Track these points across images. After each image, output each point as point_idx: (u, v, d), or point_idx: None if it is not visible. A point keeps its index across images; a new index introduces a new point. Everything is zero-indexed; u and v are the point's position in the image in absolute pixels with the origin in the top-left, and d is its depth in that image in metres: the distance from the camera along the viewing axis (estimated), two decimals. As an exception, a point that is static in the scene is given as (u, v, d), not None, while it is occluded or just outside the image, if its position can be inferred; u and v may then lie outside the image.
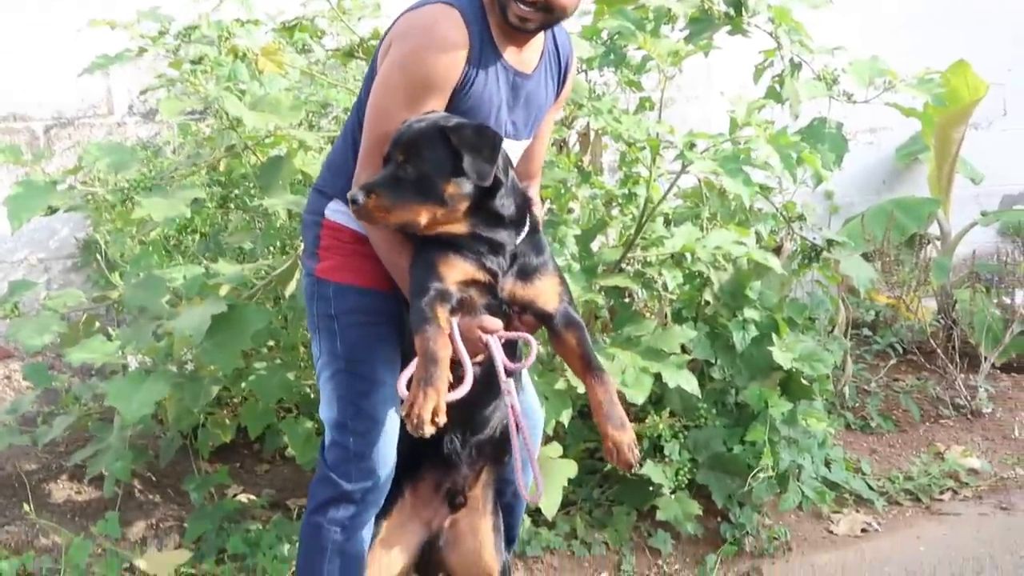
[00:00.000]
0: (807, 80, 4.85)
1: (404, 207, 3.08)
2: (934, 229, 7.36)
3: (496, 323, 3.21)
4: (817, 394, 5.03)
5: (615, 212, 5.05)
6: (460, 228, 3.16)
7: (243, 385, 4.52)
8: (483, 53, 3.28)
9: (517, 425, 3.21)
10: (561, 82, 3.59)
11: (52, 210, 4.40)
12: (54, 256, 6.42)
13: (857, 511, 5.28)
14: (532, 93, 3.45)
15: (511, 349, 3.33)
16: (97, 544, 4.59)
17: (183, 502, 5.01)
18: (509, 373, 3.23)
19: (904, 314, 6.76)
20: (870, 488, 5.43)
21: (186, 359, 4.36)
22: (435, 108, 3.24)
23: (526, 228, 3.27)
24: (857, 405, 6.21)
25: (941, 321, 6.91)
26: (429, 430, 2.91)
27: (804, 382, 4.92)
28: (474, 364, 3.17)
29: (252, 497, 5.04)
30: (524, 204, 3.29)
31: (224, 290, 4.08)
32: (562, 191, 4.82)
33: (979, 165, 7.62)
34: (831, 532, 5.11)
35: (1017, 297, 6.74)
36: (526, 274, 3.25)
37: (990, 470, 5.71)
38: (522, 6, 3.21)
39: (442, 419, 2.93)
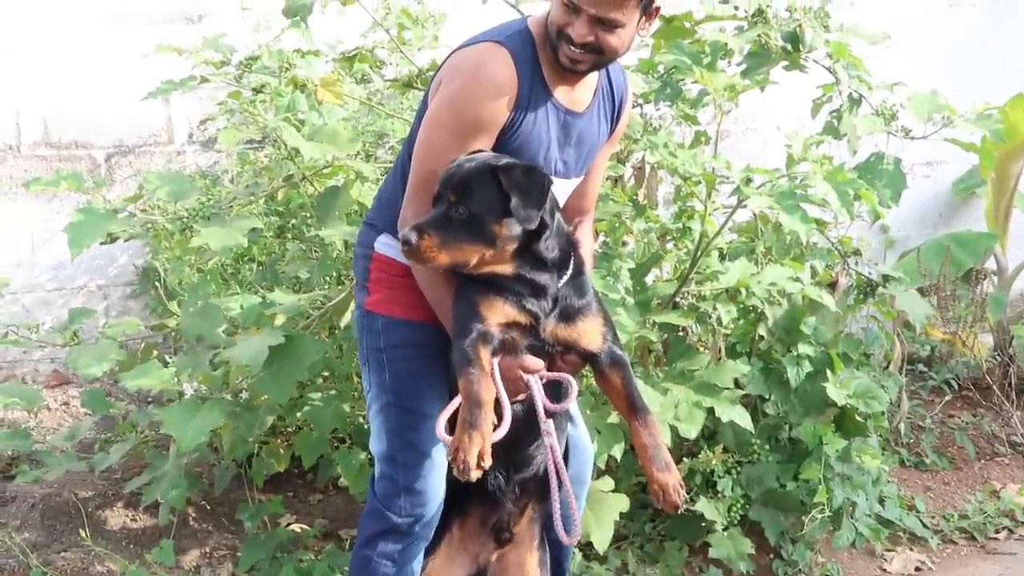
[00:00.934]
0: (865, 115, 4.82)
1: (454, 248, 3.09)
2: (991, 264, 7.28)
3: (537, 363, 3.22)
4: (872, 431, 5.00)
5: (670, 246, 5.05)
6: (506, 269, 3.17)
7: (298, 415, 4.54)
8: (533, 92, 3.30)
9: (556, 466, 3.21)
10: (615, 120, 3.59)
11: (112, 238, 4.45)
12: (113, 283, 6.49)
13: (911, 549, 5.24)
14: (584, 132, 3.46)
15: (554, 389, 3.31)
16: (151, 572, 4.62)
17: (236, 531, 5.03)
18: (549, 414, 3.23)
19: (960, 350, 6.70)
20: (924, 526, 5.38)
21: (241, 388, 4.38)
22: (483, 147, 3.25)
23: (569, 271, 3.27)
24: (911, 441, 6.16)
25: (997, 357, 6.85)
26: (475, 474, 2.93)
27: (859, 418, 4.89)
28: (515, 404, 3.19)
29: (305, 527, 5.05)
30: (569, 247, 3.29)
31: (280, 320, 4.11)
32: (617, 225, 4.82)
33: (1038, 200, 7.56)
34: (884, 570, 5.08)
35: (1075, 334, 6.66)
36: (569, 316, 3.24)
37: (1046, 509, 5.65)
38: (573, 48, 3.22)
39: (487, 462, 2.94)
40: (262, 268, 5.39)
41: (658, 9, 3.34)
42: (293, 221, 5.04)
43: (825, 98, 4.95)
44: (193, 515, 5.05)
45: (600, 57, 3.27)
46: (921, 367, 6.82)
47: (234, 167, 6.17)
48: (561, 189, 3.45)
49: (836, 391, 4.71)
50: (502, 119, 3.26)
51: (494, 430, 3.04)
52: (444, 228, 3.08)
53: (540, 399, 3.20)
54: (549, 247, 3.20)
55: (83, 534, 4.60)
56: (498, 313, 3.17)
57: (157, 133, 6.49)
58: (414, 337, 3.44)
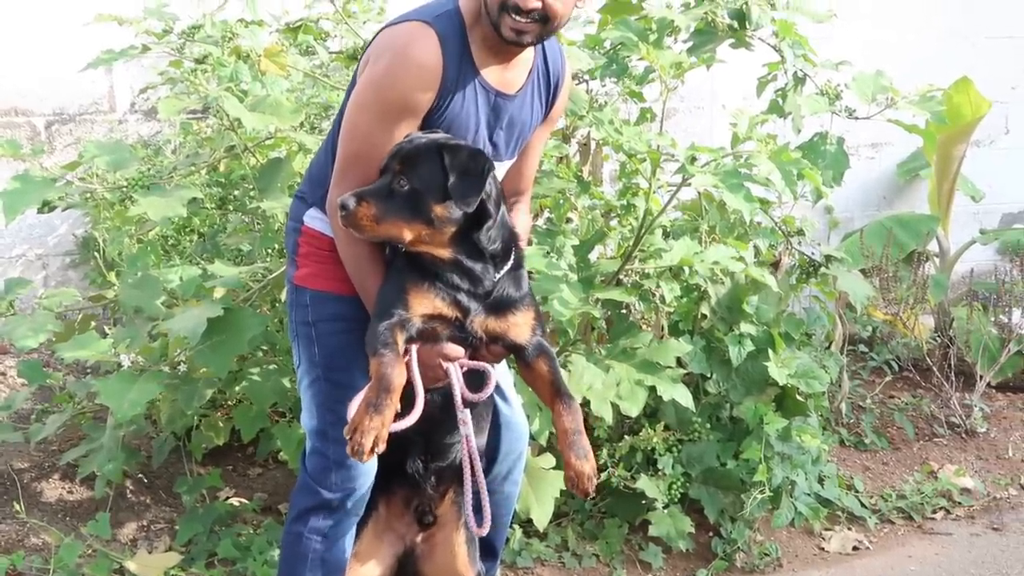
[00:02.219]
0: (810, 95, 4.84)
1: (392, 220, 3.06)
2: (933, 246, 7.35)
3: (458, 351, 3.21)
4: (812, 411, 5.03)
5: (614, 223, 5.04)
6: (442, 253, 3.14)
7: (237, 388, 4.50)
8: (460, 74, 3.25)
9: (471, 458, 3.23)
10: (551, 100, 3.55)
11: (50, 206, 4.39)
12: (52, 252, 6.41)
13: (849, 528, 5.27)
14: (516, 113, 3.42)
15: (477, 378, 3.29)
16: (87, 545, 4.58)
17: (174, 504, 4.99)
18: (467, 403, 3.23)
19: (901, 331, 6.74)
20: (862, 506, 5.42)
21: (180, 361, 4.34)
22: (408, 129, 3.23)
23: (509, 263, 3.25)
24: (851, 422, 6.20)
25: (938, 339, 6.91)
26: (367, 458, 2.92)
27: (799, 398, 4.91)
28: (433, 391, 3.21)
29: (244, 501, 5.02)
30: (511, 240, 3.28)
31: (220, 292, 4.06)
32: (561, 201, 4.81)
33: (980, 183, 7.63)
34: (822, 549, 5.11)
35: (1014, 316, 6.73)
36: (501, 308, 3.23)
37: (983, 490, 5.71)
38: (518, 18, 3.17)
39: (382, 448, 2.93)
40: (203, 240, 5.34)
41: None
42: (235, 193, 4.98)
43: (770, 76, 4.96)
44: (131, 488, 5.01)
45: (545, 26, 3.22)
46: (862, 348, 6.86)
47: (176, 137, 6.10)
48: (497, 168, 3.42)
49: (777, 371, 4.72)
50: (427, 102, 3.23)
51: (404, 417, 3.05)
52: (385, 199, 3.06)
53: (458, 388, 3.20)
54: (491, 238, 3.19)
55: (18, 507, 4.54)
56: (425, 304, 3.15)
57: (99, 101, 6.41)
58: (343, 311, 3.40)
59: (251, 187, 4.76)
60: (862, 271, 6.20)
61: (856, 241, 6.77)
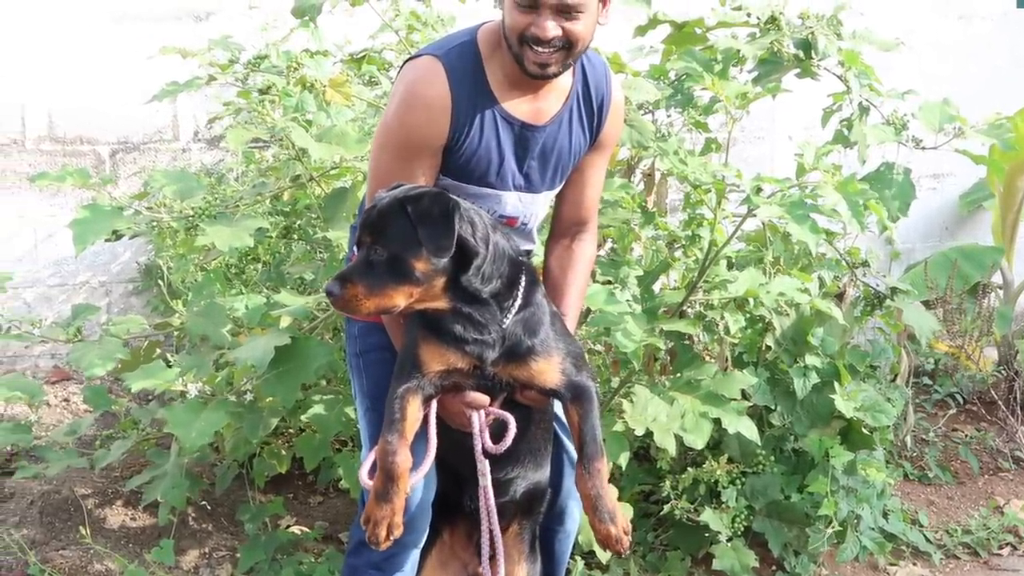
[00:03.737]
0: (876, 124, 4.80)
1: (380, 293, 2.97)
2: (997, 278, 7.27)
3: (481, 399, 3.19)
4: (878, 444, 4.97)
5: (678, 254, 5.02)
6: (440, 304, 3.06)
7: (302, 417, 4.50)
8: (477, 107, 3.21)
9: (488, 509, 3.25)
10: (597, 125, 3.44)
11: (117, 235, 4.42)
12: (115, 280, 6.47)
13: (914, 563, 5.21)
14: (551, 143, 3.34)
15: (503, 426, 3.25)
16: (151, 571, 4.59)
17: (236, 532, 5.00)
18: (487, 454, 3.22)
19: (965, 364, 6.67)
20: (927, 540, 5.35)
21: (246, 389, 4.36)
22: (426, 165, 3.23)
23: (517, 302, 3.15)
24: (915, 455, 6.13)
25: (1002, 372, 6.83)
26: (385, 546, 2.99)
27: (865, 431, 4.86)
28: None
29: (305, 529, 5.03)
30: (516, 273, 3.16)
31: (286, 322, 4.07)
32: (625, 231, 4.80)
33: (1045, 215, 7.55)
34: (887, 584, 5.06)
35: (1082, 349, 6.64)
36: (519, 355, 3.15)
37: (1050, 526, 5.62)
38: (539, 49, 3.11)
39: (397, 534, 3.00)
40: (267, 268, 5.36)
41: None
42: (299, 222, 5.02)
43: (836, 107, 4.93)
44: (193, 515, 5.03)
45: (569, 52, 3.16)
46: (926, 380, 6.79)
47: (239, 166, 6.15)
48: (529, 203, 3.40)
49: (844, 403, 4.67)
50: (439, 138, 3.21)
51: (416, 469, 3.08)
52: (367, 274, 2.98)
53: (478, 437, 3.19)
54: (484, 276, 3.08)
55: (83, 532, 4.56)
56: (437, 360, 3.12)
57: (163, 130, 6.48)
58: (388, 341, 3.38)
59: (315, 216, 4.79)
60: (925, 303, 6.15)
61: (919, 272, 6.71)
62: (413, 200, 2.98)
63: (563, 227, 3.54)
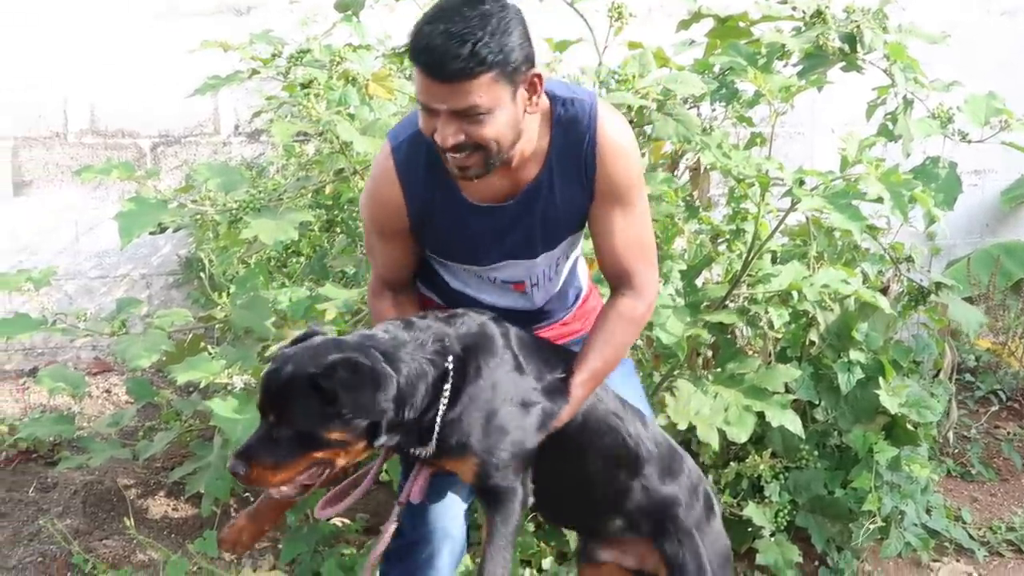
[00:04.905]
0: (920, 118, 4.77)
1: (288, 466, 2.77)
2: (1040, 275, 7.23)
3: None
4: (922, 440, 4.94)
5: (722, 248, 5.00)
6: (364, 457, 2.91)
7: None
8: (435, 198, 3.06)
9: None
10: (589, 176, 3.07)
11: (162, 228, 4.44)
12: (156, 272, 6.50)
13: (957, 560, 5.18)
14: (532, 212, 3.09)
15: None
16: (193, 562, 4.61)
17: (278, 524, 5.01)
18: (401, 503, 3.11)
19: (1007, 361, 6.63)
20: (971, 537, 5.32)
21: (290, 382, 4.36)
22: (401, 246, 3.16)
23: (440, 412, 2.90)
24: (957, 452, 6.10)
25: (1046, 369, 6.79)
26: None
27: (909, 427, 4.83)
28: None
29: (347, 521, 5.04)
30: (438, 383, 2.89)
31: (331, 314, 4.08)
32: (669, 225, 4.78)
33: (1089, 210, 7.51)
34: (931, 581, 5.03)
35: (1124, 347, 6.60)
36: (442, 451, 2.93)
37: (1094, 523, 5.58)
38: (450, 155, 2.85)
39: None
40: (309, 262, 5.37)
41: (538, 77, 2.87)
42: (341, 215, 5.02)
43: (880, 100, 4.90)
44: (235, 506, 5.05)
45: (486, 153, 2.85)
46: (968, 377, 6.76)
47: (279, 160, 6.16)
48: (529, 267, 3.21)
49: (889, 399, 4.64)
50: (400, 227, 3.11)
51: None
52: (273, 449, 2.76)
53: (410, 486, 3.07)
54: (400, 422, 2.82)
55: (126, 522, 4.58)
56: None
57: (203, 124, 6.50)
58: None
59: (358, 210, 4.79)
60: (968, 299, 6.10)
61: (961, 269, 6.67)
62: (327, 375, 2.72)
63: (607, 278, 3.24)
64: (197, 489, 4.72)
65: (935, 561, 5.12)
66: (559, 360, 3.13)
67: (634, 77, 4.38)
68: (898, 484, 4.85)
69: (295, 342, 2.90)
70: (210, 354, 4.46)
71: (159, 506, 5.07)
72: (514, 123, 2.85)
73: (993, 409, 6.53)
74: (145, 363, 4.21)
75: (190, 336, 4.78)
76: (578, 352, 3.16)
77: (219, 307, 4.62)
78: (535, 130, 2.99)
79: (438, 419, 2.88)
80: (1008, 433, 6.41)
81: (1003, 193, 7.72)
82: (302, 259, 5.48)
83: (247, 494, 5.08)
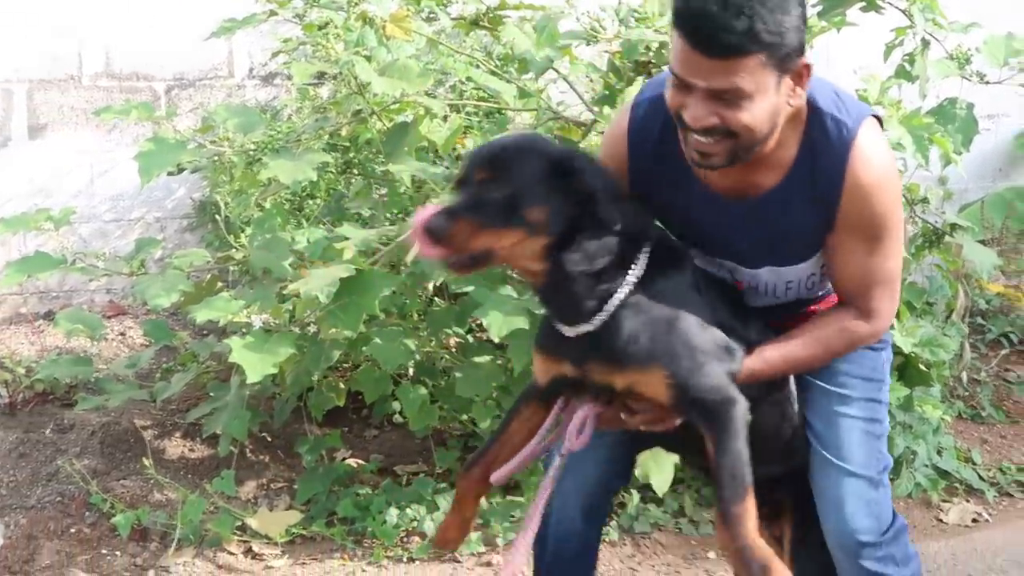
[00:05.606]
0: (938, 59, 4.76)
1: (491, 232, 2.59)
2: (1052, 218, 7.23)
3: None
4: (935, 380, 4.97)
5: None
6: (534, 267, 2.68)
7: (363, 350, 4.53)
8: (672, 173, 2.84)
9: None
10: (829, 209, 2.78)
11: (180, 168, 4.45)
12: (170, 216, 6.50)
13: (967, 501, 5.22)
14: (760, 219, 2.84)
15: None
16: (211, 501, 4.65)
17: (293, 464, 5.06)
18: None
19: (1018, 304, 6.65)
20: (980, 478, 5.37)
21: (309, 321, 4.39)
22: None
23: (625, 287, 2.70)
24: (968, 394, 6.13)
25: (1056, 312, 6.82)
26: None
27: (922, 367, 4.85)
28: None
29: (361, 462, 5.09)
30: (632, 250, 2.72)
31: (349, 253, 4.09)
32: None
33: (1101, 153, 7.49)
34: (941, 521, 5.07)
35: None
36: (613, 357, 2.71)
37: (1103, 463, 5.62)
38: (697, 137, 2.62)
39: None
40: (327, 204, 5.38)
41: (807, 67, 2.63)
42: (359, 157, 5.03)
43: (898, 41, 4.88)
44: (251, 447, 5.09)
45: (736, 141, 2.61)
46: (979, 320, 6.78)
47: (294, 103, 6.16)
48: (750, 275, 2.98)
49: (902, 339, 4.67)
50: (621, 167, 2.89)
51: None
52: (477, 210, 2.59)
53: (573, 429, 2.85)
54: (587, 253, 2.65)
55: (145, 463, 4.61)
56: (542, 370, 2.88)
57: (218, 67, 6.48)
58: None
59: (376, 151, 4.79)
60: (980, 242, 6.11)
61: (974, 212, 6.67)
62: (565, 155, 2.65)
63: (840, 300, 2.98)
64: (214, 430, 4.76)
65: (945, 501, 5.17)
66: (751, 319, 2.93)
67: (654, 16, 4.36)
68: (910, 425, 4.89)
69: None
70: (228, 295, 4.48)
71: (176, 447, 5.10)
72: (773, 114, 2.61)
73: (1004, 352, 6.56)
74: (165, 302, 4.23)
75: (208, 277, 4.80)
76: (782, 334, 2.93)
77: (236, 249, 4.63)
78: (786, 130, 2.72)
79: (618, 293, 2.69)
80: (1018, 376, 6.45)
81: (1017, 137, 7.70)
82: (318, 202, 5.49)
83: (263, 434, 5.13)
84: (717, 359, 2.72)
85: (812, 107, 2.74)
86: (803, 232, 2.84)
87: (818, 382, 3.03)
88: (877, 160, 2.76)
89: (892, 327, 3.31)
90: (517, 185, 2.59)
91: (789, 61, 2.56)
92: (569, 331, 2.73)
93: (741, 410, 2.69)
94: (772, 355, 2.86)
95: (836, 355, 2.95)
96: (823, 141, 2.73)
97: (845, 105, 2.78)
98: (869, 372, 3.06)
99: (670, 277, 2.76)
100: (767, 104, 2.57)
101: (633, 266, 2.70)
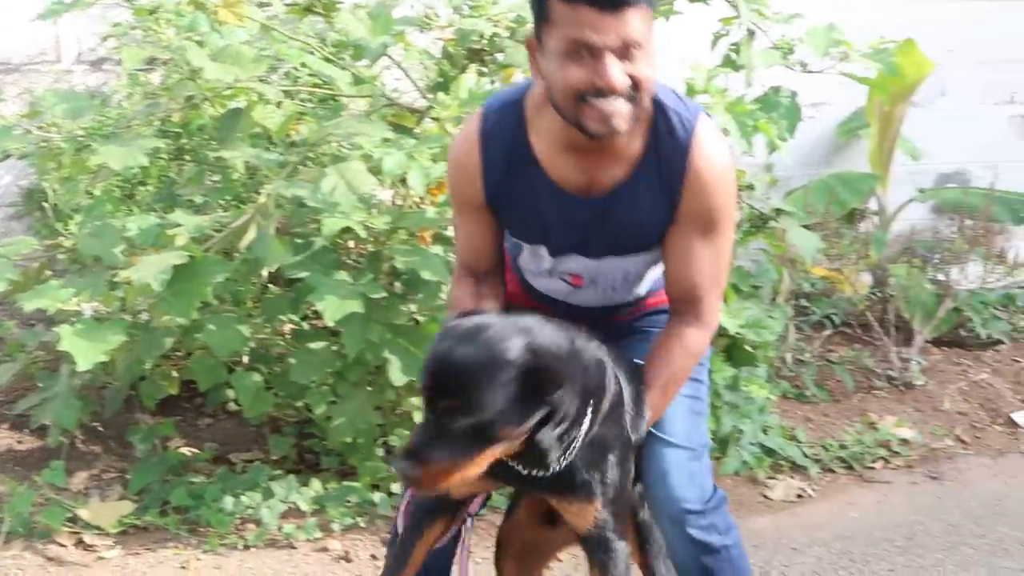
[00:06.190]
0: (763, 49, 4.88)
1: (465, 464, 2.47)
2: (873, 204, 7.46)
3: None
4: (760, 361, 5.11)
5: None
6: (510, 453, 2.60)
7: (196, 337, 4.50)
8: (516, 173, 2.91)
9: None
10: (673, 199, 2.88)
11: (6, 155, 4.36)
12: (-5, 203, 6.35)
13: (792, 477, 5.38)
14: (609, 214, 2.92)
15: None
16: (40, 493, 4.58)
17: (126, 454, 5.00)
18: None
19: (841, 287, 6.84)
20: (805, 455, 5.52)
21: (140, 309, 4.33)
22: (482, 221, 3.02)
23: (582, 433, 2.64)
24: (793, 374, 6.30)
25: (877, 295, 7.04)
26: None
27: (748, 348, 4.99)
28: None
29: (195, 450, 5.05)
30: (586, 400, 2.64)
31: (182, 240, 4.06)
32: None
33: (917, 143, 7.73)
34: (767, 497, 5.20)
35: (951, 273, 6.86)
36: (563, 493, 2.77)
37: (921, 440, 5.82)
38: (609, 103, 2.65)
39: None
40: (158, 191, 5.31)
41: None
42: (191, 143, 4.98)
43: (724, 31, 5.00)
44: (82, 438, 5.02)
45: (635, 102, 2.69)
46: (803, 302, 6.96)
47: (124, 88, 6.05)
48: (594, 268, 3.05)
49: (729, 320, 4.79)
50: (476, 198, 2.98)
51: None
52: (443, 443, 2.44)
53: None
54: (561, 436, 2.55)
55: (-29, 455, 4.53)
56: (470, 487, 2.78)
57: (45, 51, 6.33)
58: None
59: (208, 137, 4.75)
60: (804, 227, 6.28)
61: (799, 198, 6.83)
62: (536, 355, 2.48)
63: (671, 299, 3.05)
64: (44, 420, 4.68)
65: (771, 478, 5.31)
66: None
67: (487, 3, 4.40)
68: (737, 404, 5.01)
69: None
70: (58, 283, 4.40)
71: (3, 438, 5.01)
72: (655, 67, 2.72)
73: (827, 333, 6.74)
74: (-9, 291, 4.15)
75: (36, 265, 4.71)
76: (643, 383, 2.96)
77: (65, 236, 4.55)
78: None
79: (579, 436, 2.64)
80: (841, 356, 6.64)
81: (840, 125, 7.89)
82: (149, 189, 5.41)
83: (94, 424, 5.06)
84: (629, 495, 2.90)
85: (655, 102, 2.83)
86: (648, 224, 2.93)
87: None
88: (716, 154, 2.87)
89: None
90: (487, 411, 2.43)
91: (653, 10, 2.70)
92: (524, 471, 2.69)
93: (621, 552, 2.82)
94: (654, 400, 2.95)
95: (687, 377, 3.05)
96: (667, 134, 2.83)
97: (683, 102, 2.89)
98: None
99: (607, 410, 2.74)
100: (654, 60, 2.69)
101: (587, 416, 2.65)
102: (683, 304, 2.99)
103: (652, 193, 2.87)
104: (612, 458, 2.77)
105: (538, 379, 2.45)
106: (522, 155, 2.90)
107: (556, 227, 2.96)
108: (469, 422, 2.41)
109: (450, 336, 2.50)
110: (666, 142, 2.84)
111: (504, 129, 2.91)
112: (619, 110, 2.66)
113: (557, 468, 2.62)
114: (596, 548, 2.81)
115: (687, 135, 2.83)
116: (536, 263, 3.12)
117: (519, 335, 2.47)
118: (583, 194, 2.91)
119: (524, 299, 3.24)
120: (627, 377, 2.88)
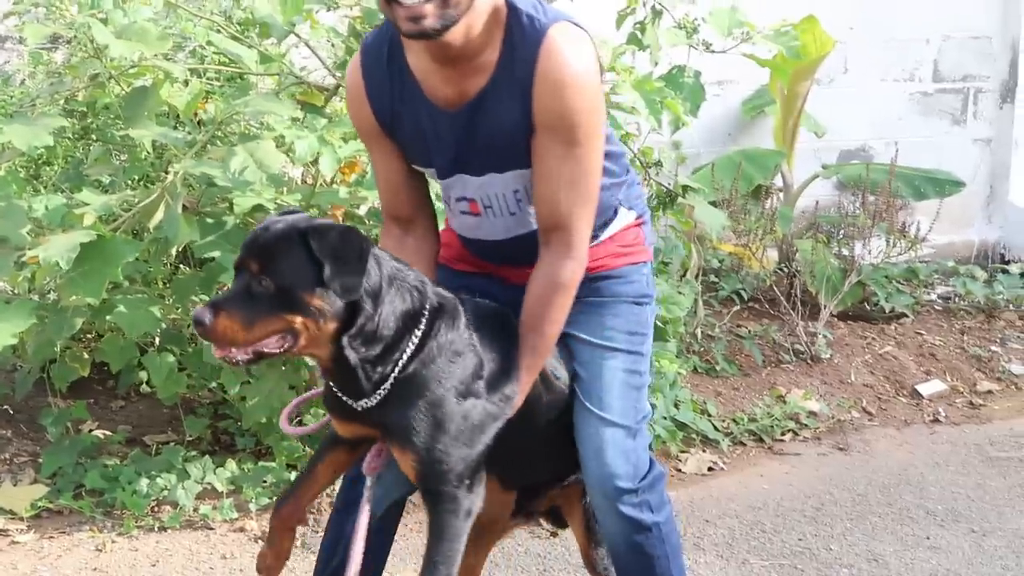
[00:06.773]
0: (668, 28, 4.94)
1: (260, 325, 2.59)
2: (778, 181, 7.57)
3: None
4: (671, 336, 5.17)
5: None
6: (322, 353, 2.70)
7: (107, 318, 4.46)
8: (396, 92, 2.93)
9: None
10: (527, 103, 2.83)
11: (-95, 136, 4.28)
12: None
13: (703, 451, 5.47)
14: (475, 125, 2.89)
15: None
16: (-51, 479, 4.54)
17: (37, 437, 4.97)
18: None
19: (749, 262, 6.94)
20: (716, 429, 5.63)
21: (49, 289, 4.29)
22: (385, 149, 3.01)
23: (401, 362, 2.74)
24: (703, 349, 6.39)
25: (783, 270, 7.16)
26: None
27: (658, 324, 5.04)
28: None
29: (108, 433, 5.02)
30: (406, 329, 2.74)
31: (90, 219, 4.02)
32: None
33: (820, 120, 7.86)
34: (679, 471, 5.29)
35: (855, 248, 6.98)
36: (387, 433, 2.81)
37: (828, 413, 5.97)
38: (406, 2, 2.66)
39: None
40: (65, 171, 5.25)
41: None
42: (97, 122, 4.92)
43: (629, 10, 5.05)
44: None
45: (444, 4, 2.67)
46: (712, 278, 7.06)
47: (27, 67, 5.97)
48: (478, 186, 2.99)
49: (639, 296, 4.84)
50: (367, 121, 2.99)
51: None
52: (245, 304, 2.59)
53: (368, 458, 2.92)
54: (365, 336, 2.69)
55: None
56: (336, 427, 2.92)
57: (-57, 31, 6.24)
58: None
59: (114, 116, 4.71)
60: (712, 204, 6.36)
61: (705, 175, 6.91)
62: (318, 233, 2.62)
63: (540, 230, 2.96)
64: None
65: (683, 452, 5.40)
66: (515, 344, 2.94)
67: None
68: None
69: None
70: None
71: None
72: None
73: (735, 309, 6.86)
74: None
75: (-60, 248, 4.64)
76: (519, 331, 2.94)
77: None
78: (491, 31, 2.81)
79: (396, 370, 2.74)
80: (749, 331, 6.74)
81: (744, 103, 8.00)
82: (55, 168, 5.35)
83: (5, 407, 5.01)
84: (467, 445, 2.79)
85: (510, 7, 2.82)
86: (514, 132, 2.88)
87: (585, 336, 3.11)
88: (569, 56, 2.80)
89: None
90: (287, 278, 2.59)
91: None
92: (354, 404, 2.77)
93: (463, 511, 2.79)
94: (525, 364, 2.92)
95: (566, 315, 2.97)
96: (519, 36, 2.80)
97: (543, 7, 2.86)
98: (634, 326, 3.16)
99: (443, 343, 2.79)
100: None
101: (412, 339, 2.74)
102: (552, 233, 2.92)
103: (512, 100, 2.84)
104: (444, 410, 2.76)
105: (319, 246, 2.59)
106: (401, 73, 2.91)
107: (434, 144, 2.95)
108: (269, 285, 2.58)
109: (270, 219, 2.72)
110: (518, 43, 2.81)
111: (381, 48, 2.94)
112: (422, 7, 2.64)
113: (367, 386, 2.71)
114: (426, 499, 2.81)
115: (538, 36, 2.78)
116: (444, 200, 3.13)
117: (330, 223, 2.71)
118: (452, 107, 2.89)
119: (460, 252, 3.22)
120: (493, 333, 2.89)
